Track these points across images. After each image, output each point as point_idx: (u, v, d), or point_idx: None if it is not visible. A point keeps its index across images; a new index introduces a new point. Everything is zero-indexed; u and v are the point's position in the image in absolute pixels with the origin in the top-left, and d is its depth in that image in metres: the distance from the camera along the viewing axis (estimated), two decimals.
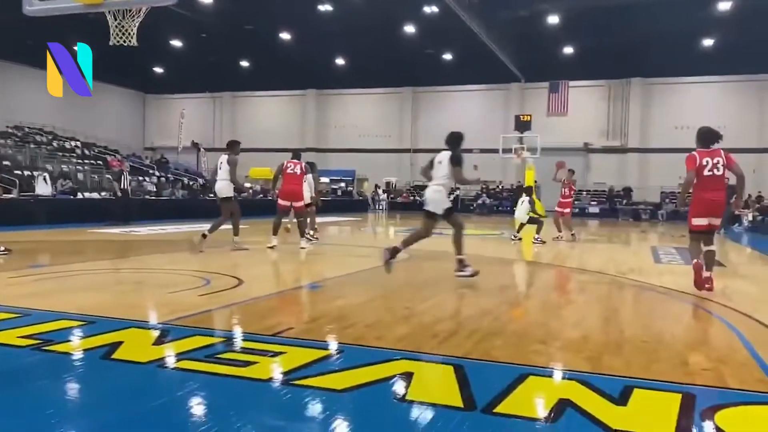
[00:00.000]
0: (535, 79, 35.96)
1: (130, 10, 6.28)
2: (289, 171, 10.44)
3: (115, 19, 6.37)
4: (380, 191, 37.79)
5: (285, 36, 30.51)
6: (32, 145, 27.05)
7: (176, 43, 32.39)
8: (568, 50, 30.72)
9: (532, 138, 31.29)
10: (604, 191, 35.61)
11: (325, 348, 4.01)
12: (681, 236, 18.16)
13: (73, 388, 3.24)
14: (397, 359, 3.71)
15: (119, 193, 17.10)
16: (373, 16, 26.29)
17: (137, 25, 6.33)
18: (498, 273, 8.49)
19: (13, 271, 7.35)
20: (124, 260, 9.17)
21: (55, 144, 29.89)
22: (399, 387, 3.24)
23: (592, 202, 34.87)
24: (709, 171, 6.52)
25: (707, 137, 6.70)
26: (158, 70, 38.75)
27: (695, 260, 6.66)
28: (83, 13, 6.11)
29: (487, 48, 28.53)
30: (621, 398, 3.10)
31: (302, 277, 7.91)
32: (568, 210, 14.13)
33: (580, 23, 26.17)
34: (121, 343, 3.94)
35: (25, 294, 5.84)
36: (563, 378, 3.51)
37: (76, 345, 3.98)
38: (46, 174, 19.18)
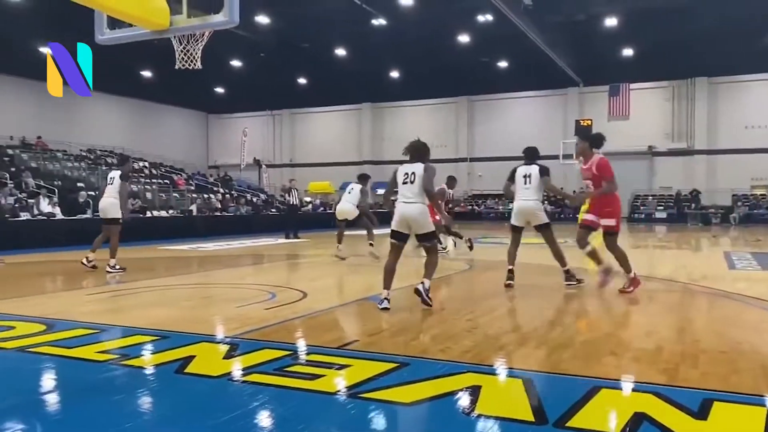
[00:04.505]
0: (594, 83, 35.16)
1: (194, 35, 6.52)
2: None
3: (180, 44, 6.62)
4: None
5: (340, 52, 30.96)
6: (104, 167, 28.28)
7: (236, 63, 33.33)
8: (628, 52, 29.91)
9: None
10: (671, 195, 34.40)
11: (391, 361, 4.01)
12: (757, 240, 17.37)
13: (149, 402, 3.35)
14: (464, 372, 3.68)
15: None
16: (426, 28, 26.35)
17: (201, 48, 6.57)
18: (559, 282, 8.26)
19: (90, 288, 7.69)
20: (193, 275, 9.45)
21: None
22: (467, 400, 3.20)
23: (659, 207, 33.76)
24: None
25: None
26: (219, 90, 39.95)
27: None
28: (151, 39, 6.38)
29: (543, 53, 28.12)
30: (701, 412, 2.98)
31: (364, 289, 7.94)
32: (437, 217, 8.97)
33: (638, 24, 25.46)
34: (193, 357, 4.06)
35: (101, 310, 6.10)
36: (637, 391, 3.40)
37: (151, 359, 4.12)
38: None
